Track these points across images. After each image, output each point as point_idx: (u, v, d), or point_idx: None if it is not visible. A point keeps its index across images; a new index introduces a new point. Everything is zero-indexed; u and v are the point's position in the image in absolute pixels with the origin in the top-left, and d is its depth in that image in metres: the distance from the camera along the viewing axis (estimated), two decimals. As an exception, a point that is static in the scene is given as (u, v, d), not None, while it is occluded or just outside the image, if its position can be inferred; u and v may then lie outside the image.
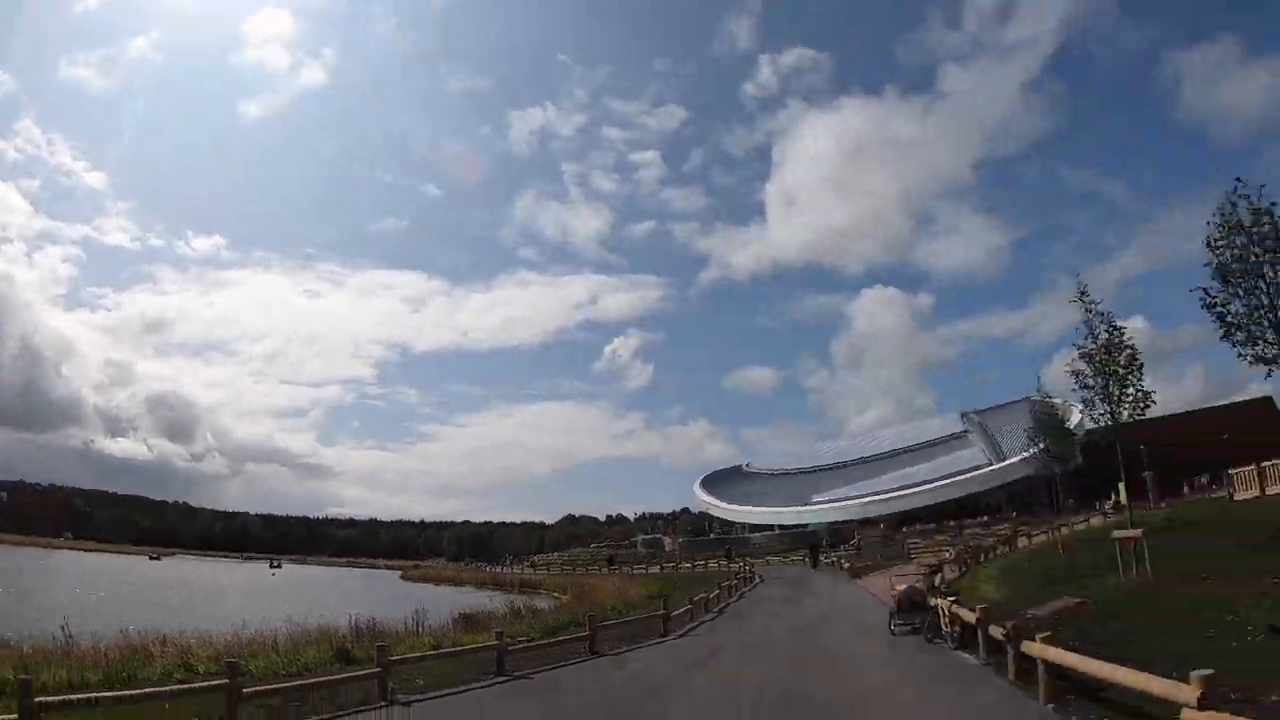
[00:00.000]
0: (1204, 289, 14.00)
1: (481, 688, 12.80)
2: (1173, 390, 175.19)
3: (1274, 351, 13.19)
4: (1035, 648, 9.23)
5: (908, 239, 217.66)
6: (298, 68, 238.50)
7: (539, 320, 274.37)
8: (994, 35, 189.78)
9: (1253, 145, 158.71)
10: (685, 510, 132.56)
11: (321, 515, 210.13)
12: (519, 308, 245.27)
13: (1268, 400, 62.94)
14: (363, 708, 10.99)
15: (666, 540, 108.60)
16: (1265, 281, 13.12)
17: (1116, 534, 18.74)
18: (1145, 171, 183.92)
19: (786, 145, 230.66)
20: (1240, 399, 73.63)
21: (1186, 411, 78.55)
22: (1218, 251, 13.71)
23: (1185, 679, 5.81)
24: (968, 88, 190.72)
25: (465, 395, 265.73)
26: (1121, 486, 43.42)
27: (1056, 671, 9.01)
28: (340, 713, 10.75)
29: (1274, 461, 25.49)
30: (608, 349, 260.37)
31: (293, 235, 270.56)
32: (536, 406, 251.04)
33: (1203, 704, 5.49)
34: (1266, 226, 13.08)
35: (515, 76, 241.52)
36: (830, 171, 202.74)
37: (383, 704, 11.26)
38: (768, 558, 70.04)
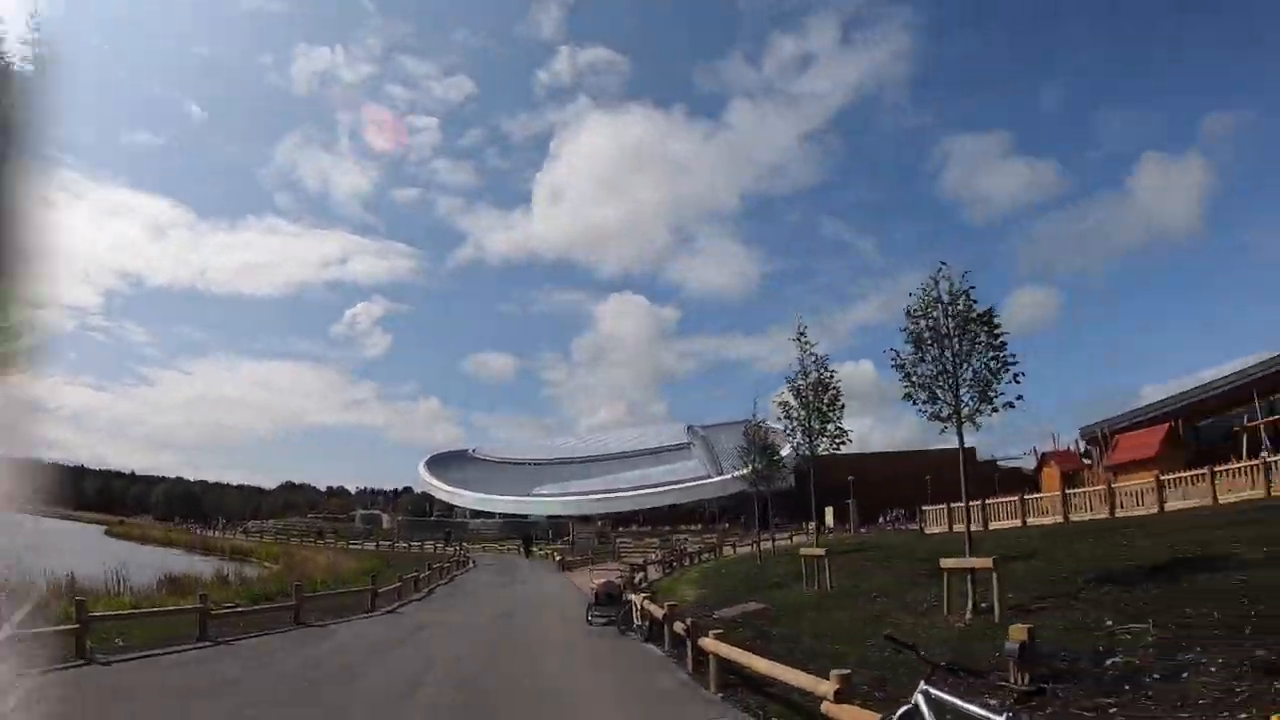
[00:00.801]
0: (895, 350, 15.17)
1: (183, 651, 12.61)
2: (892, 430, 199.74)
3: (949, 411, 14.68)
4: (709, 643, 9.91)
5: (665, 252, 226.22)
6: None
7: (283, 271, 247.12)
8: (788, 83, 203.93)
9: (997, 230, 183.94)
10: (408, 489, 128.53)
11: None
12: (263, 254, 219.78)
13: (971, 449, 73.84)
14: (59, 665, 10.29)
15: (385, 517, 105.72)
16: (951, 352, 14.58)
17: (804, 551, 20.92)
18: (897, 233, 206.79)
19: (566, 139, 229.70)
20: (946, 446, 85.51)
21: (897, 451, 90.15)
22: (915, 320, 14.94)
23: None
24: (752, 124, 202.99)
25: (193, 341, 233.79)
26: (829, 511, 48.69)
27: (725, 665, 9.74)
28: (32, 670, 9.26)
29: (962, 503, 28.61)
30: (349, 313, 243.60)
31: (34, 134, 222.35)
32: (267, 363, 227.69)
33: (839, 697, 6.22)
34: (961, 305, 14.57)
35: (312, 10, 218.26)
36: (603, 173, 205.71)
37: (81, 662, 10.81)
38: (485, 545, 70.32)
